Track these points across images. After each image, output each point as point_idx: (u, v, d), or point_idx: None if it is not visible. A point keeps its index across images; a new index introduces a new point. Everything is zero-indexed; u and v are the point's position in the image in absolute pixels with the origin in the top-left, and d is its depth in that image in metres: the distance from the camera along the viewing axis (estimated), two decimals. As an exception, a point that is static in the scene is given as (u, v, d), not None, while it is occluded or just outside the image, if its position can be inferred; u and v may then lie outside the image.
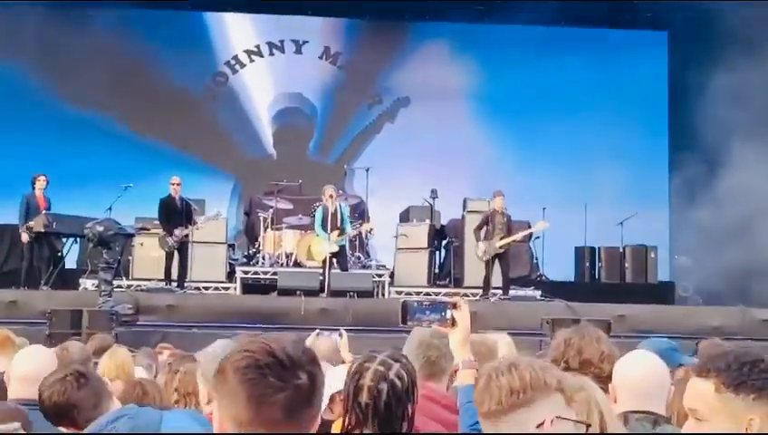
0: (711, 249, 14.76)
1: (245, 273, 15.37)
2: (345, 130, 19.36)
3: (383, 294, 15.00)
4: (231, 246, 16.24)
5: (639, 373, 3.21)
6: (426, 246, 15.61)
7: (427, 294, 14.46)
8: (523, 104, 18.46)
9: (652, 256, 16.48)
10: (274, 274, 14.83)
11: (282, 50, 19.43)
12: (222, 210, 16.19)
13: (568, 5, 17.75)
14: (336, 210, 14.30)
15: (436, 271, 16.00)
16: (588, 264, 16.83)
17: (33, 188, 14.21)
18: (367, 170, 15.93)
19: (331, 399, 3.81)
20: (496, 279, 14.29)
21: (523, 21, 17.88)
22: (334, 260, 14.17)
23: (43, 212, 13.92)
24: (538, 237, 16.20)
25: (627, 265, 16.44)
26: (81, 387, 3.47)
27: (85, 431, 2.94)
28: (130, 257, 15.02)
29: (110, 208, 14.25)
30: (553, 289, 15.12)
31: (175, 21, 18.89)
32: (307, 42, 19.39)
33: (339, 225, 14.27)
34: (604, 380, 3.18)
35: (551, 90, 18.32)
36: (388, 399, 2.91)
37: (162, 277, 14.27)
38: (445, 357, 3.62)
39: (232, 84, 19.34)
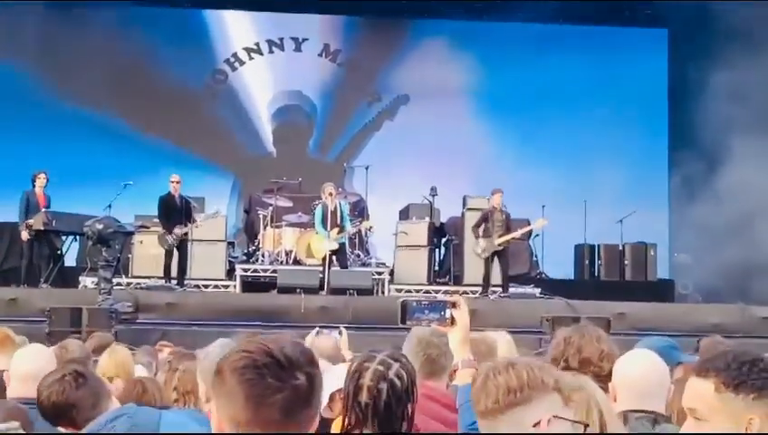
0: (710, 247, 14.76)
1: (245, 271, 15.36)
2: (345, 128, 19.36)
3: (383, 292, 14.99)
4: (231, 244, 16.25)
5: (639, 372, 3.21)
6: (425, 243, 15.61)
7: (427, 291, 14.47)
8: (523, 102, 18.46)
9: (652, 253, 16.48)
10: (274, 271, 14.83)
11: (281, 47, 19.42)
12: (221, 208, 16.22)
13: (567, 3, 17.75)
14: (336, 208, 14.30)
15: (436, 269, 16.00)
16: (587, 261, 16.84)
17: (34, 186, 14.21)
18: (366, 168, 15.94)
19: (331, 397, 3.80)
20: (496, 277, 14.29)
21: (523, 18, 17.89)
22: (334, 258, 14.17)
23: (43, 210, 13.92)
24: (537, 235, 16.20)
25: (626, 262, 16.44)
26: (79, 387, 3.47)
27: (84, 431, 2.94)
28: (130, 255, 15.01)
29: (109, 206, 14.26)
30: (553, 287, 15.13)
31: (174, 19, 18.88)
32: (306, 39, 19.38)
33: (338, 222, 14.28)
34: (604, 379, 3.18)
35: (550, 87, 18.32)
36: (388, 398, 2.90)
37: (162, 275, 14.28)
38: (444, 355, 3.62)
39: (231, 82, 19.33)
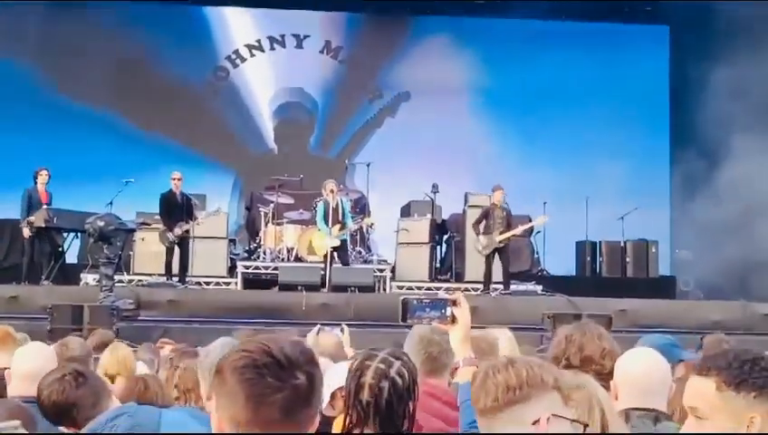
0: (712, 244, 14.75)
1: (246, 268, 15.37)
2: (346, 125, 19.35)
3: (384, 289, 15.01)
4: (232, 241, 16.25)
5: (641, 370, 3.21)
6: (427, 240, 15.60)
7: (428, 288, 14.45)
8: (524, 99, 18.45)
9: (653, 250, 16.48)
10: (275, 268, 14.83)
11: (282, 44, 19.41)
12: (223, 205, 16.20)
13: (568, 1, 17.74)
14: (337, 205, 14.31)
15: (437, 266, 15.99)
16: (589, 258, 16.85)
17: (36, 183, 14.21)
18: (368, 165, 15.94)
19: (333, 395, 3.80)
20: (497, 274, 14.28)
21: (524, 16, 17.86)
22: (335, 255, 14.17)
23: (44, 207, 13.91)
24: (539, 232, 16.21)
25: (628, 259, 16.45)
26: (79, 386, 3.48)
27: (84, 430, 2.94)
28: (131, 252, 15.03)
29: (110, 203, 14.25)
30: (554, 284, 15.13)
31: (175, 16, 18.86)
32: (308, 36, 19.37)
33: (340, 219, 14.28)
34: (605, 377, 3.18)
35: (552, 84, 18.31)
36: (390, 397, 2.90)
37: (163, 272, 14.28)
38: (446, 353, 3.62)
39: (233, 79, 19.32)
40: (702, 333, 7.70)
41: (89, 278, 14.23)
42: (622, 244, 16.56)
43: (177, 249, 14.25)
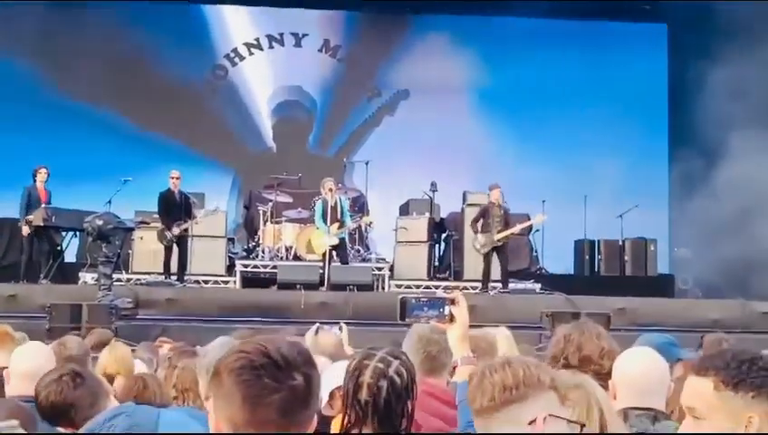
0: (710, 242, 14.75)
1: (245, 266, 15.37)
2: (345, 124, 19.35)
3: (383, 288, 15.00)
4: (230, 240, 16.24)
5: (639, 370, 3.21)
6: (425, 239, 15.60)
7: (427, 287, 14.45)
8: (523, 97, 18.45)
9: (652, 248, 16.48)
10: (274, 267, 14.83)
11: (281, 43, 19.41)
12: (221, 204, 16.22)
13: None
14: (336, 203, 14.30)
15: (436, 264, 15.99)
16: (587, 257, 16.84)
17: (35, 181, 14.21)
18: (366, 163, 15.95)
19: (331, 395, 3.80)
20: (496, 272, 14.28)
21: (524, 14, 17.87)
22: (334, 253, 14.17)
23: (43, 206, 13.91)
24: (538, 230, 16.21)
25: (626, 258, 16.44)
26: (77, 386, 3.48)
27: (82, 430, 2.94)
28: (130, 251, 15.02)
29: (109, 202, 14.24)
30: (553, 282, 15.13)
31: (174, 14, 18.84)
32: (306, 35, 19.36)
33: (339, 218, 14.27)
34: (604, 377, 3.17)
35: (551, 83, 18.32)
36: (388, 396, 2.90)
37: (162, 271, 14.27)
38: (445, 352, 3.61)
39: (231, 77, 19.31)
40: (700, 332, 7.71)
41: (87, 277, 14.23)
42: (621, 242, 16.56)
43: (175, 248, 14.25)
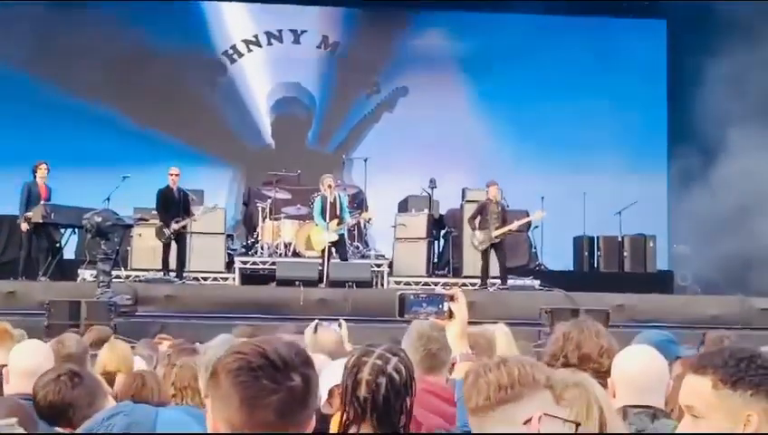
0: (710, 238, 14.76)
1: (244, 263, 15.36)
2: (344, 120, 19.33)
3: (382, 284, 15.00)
4: (229, 237, 16.24)
5: (638, 368, 3.20)
6: (424, 235, 15.60)
7: (426, 284, 14.46)
8: (522, 94, 18.44)
9: (651, 245, 16.47)
10: (273, 264, 14.83)
11: (280, 39, 19.38)
12: (220, 201, 16.21)
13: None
14: (335, 200, 14.29)
15: (435, 261, 16.00)
16: (587, 253, 16.82)
17: (35, 177, 14.19)
18: (365, 160, 15.95)
19: (330, 393, 3.80)
20: (494, 269, 14.28)
21: (523, 10, 17.86)
22: (333, 250, 14.16)
23: (42, 203, 13.90)
24: (537, 227, 16.21)
25: (625, 254, 16.43)
26: (75, 386, 3.47)
27: (80, 429, 2.93)
28: (129, 248, 15.00)
29: (108, 199, 14.25)
30: (552, 279, 15.12)
31: (173, 11, 18.81)
32: (305, 31, 19.33)
33: (338, 214, 14.26)
34: (603, 375, 3.17)
35: (550, 79, 18.29)
36: (387, 393, 2.90)
37: (161, 268, 14.27)
38: (445, 349, 3.60)
39: (230, 74, 19.28)
40: (699, 328, 7.71)
41: (86, 274, 14.22)
42: (620, 239, 16.54)
43: (174, 245, 14.24)
